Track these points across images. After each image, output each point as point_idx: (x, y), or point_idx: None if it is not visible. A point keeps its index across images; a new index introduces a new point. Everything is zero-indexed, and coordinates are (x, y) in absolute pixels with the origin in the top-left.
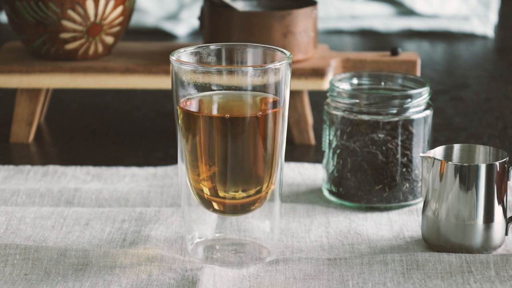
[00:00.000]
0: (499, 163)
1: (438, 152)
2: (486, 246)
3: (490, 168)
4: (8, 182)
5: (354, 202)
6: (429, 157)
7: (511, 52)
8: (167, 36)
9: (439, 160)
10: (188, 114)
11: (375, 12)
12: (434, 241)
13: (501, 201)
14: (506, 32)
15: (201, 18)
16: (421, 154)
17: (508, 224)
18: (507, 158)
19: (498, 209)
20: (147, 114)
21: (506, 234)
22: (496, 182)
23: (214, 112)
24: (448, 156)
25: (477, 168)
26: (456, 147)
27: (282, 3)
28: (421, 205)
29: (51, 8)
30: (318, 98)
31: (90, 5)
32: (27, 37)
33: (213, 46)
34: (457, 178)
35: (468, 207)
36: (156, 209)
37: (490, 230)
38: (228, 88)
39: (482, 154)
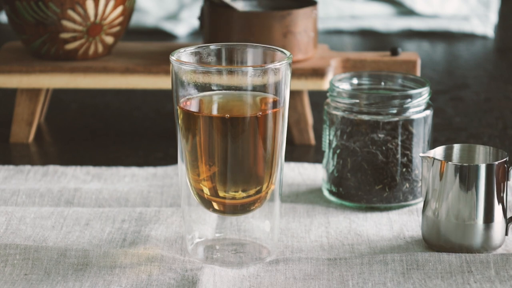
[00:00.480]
0: (499, 163)
1: (438, 152)
2: (486, 246)
3: (490, 168)
4: (8, 182)
5: (354, 202)
6: (429, 157)
7: (511, 52)
8: (167, 36)
9: (439, 160)
10: (188, 114)
11: (375, 12)
12: (434, 241)
13: (501, 201)
14: (506, 32)
15: (201, 18)
16: (421, 154)
17: (508, 224)
18: (507, 158)
19: (498, 209)
20: (147, 114)
21: (506, 234)
22: (496, 182)
23: (214, 112)
24: (448, 156)
25: (477, 168)
26: (456, 147)
27: (282, 3)
28: (421, 205)
29: (51, 8)
30: (318, 98)
31: (90, 5)
32: (27, 37)
33: (213, 46)
34: (457, 178)
35: (468, 207)
36: (156, 209)
37: (490, 230)
38: (228, 88)
39: (482, 154)
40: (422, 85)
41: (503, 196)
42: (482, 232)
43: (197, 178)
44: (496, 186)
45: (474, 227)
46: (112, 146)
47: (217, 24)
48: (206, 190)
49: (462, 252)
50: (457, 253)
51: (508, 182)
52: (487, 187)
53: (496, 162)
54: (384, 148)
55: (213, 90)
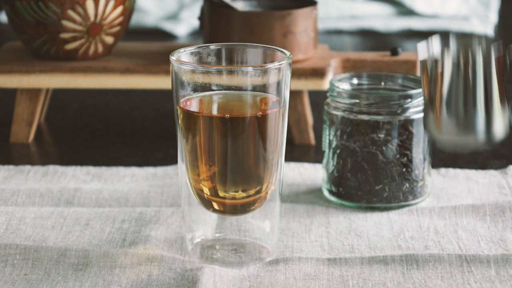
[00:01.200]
0: (497, 56)
1: (435, 47)
2: (491, 139)
3: (487, 61)
4: (8, 182)
5: (354, 202)
6: (426, 59)
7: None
8: (167, 36)
9: (435, 60)
10: (188, 114)
11: (375, 12)
12: (442, 140)
13: (501, 92)
14: (506, 32)
15: (201, 18)
16: (420, 59)
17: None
18: (505, 50)
19: (499, 100)
20: (147, 114)
21: (510, 126)
22: (495, 74)
23: (214, 112)
24: (445, 51)
25: (474, 62)
26: (452, 39)
27: (282, 3)
28: (421, 205)
29: (51, 8)
30: (318, 98)
31: (90, 5)
32: (27, 37)
33: (213, 46)
34: (455, 74)
35: (469, 101)
36: (156, 209)
37: (492, 122)
38: (228, 88)
39: (479, 47)
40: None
41: (503, 88)
42: (484, 125)
43: (197, 178)
44: (497, 79)
45: (476, 120)
46: (112, 146)
47: (217, 24)
48: (206, 190)
49: (469, 147)
50: (465, 150)
51: (507, 73)
52: (486, 82)
53: (494, 54)
54: (384, 148)
55: (213, 90)
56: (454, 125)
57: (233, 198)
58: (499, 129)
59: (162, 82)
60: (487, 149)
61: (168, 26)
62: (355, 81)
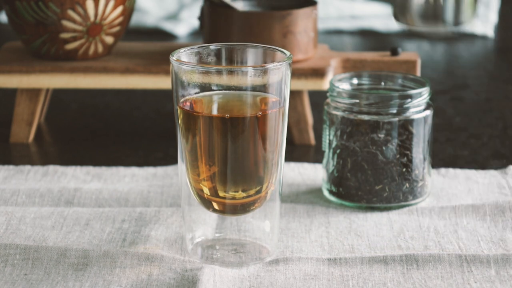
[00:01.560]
0: None
1: None
2: (457, 21)
3: None
4: (8, 182)
5: (354, 202)
6: None
7: (511, 52)
8: (167, 36)
9: None
10: (188, 114)
11: (375, 12)
12: (409, 21)
13: None
14: (506, 32)
15: (201, 18)
16: None
17: None
18: None
19: None
20: (147, 114)
21: (474, 10)
22: None
23: (214, 112)
24: None
25: None
26: None
27: (282, 3)
28: (421, 205)
29: (51, 8)
30: (318, 98)
31: (90, 5)
32: (27, 37)
33: (213, 46)
34: None
35: None
36: (156, 209)
37: (461, 12)
38: (228, 88)
39: None
40: (422, 85)
41: None
42: (453, 15)
43: (197, 178)
44: None
45: (445, 10)
46: (112, 146)
47: (217, 24)
48: (206, 190)
49: (438, 35)
50: (434, 37)
51: None
52: None
53: None
54: (384, 148)
55: (213, 90)
56: (424, 15)
57: (233, 198)
58: (467, 18)
59: (162, 82)
60: (455, 36)
61: (168, 26)
62: (355, 81)
